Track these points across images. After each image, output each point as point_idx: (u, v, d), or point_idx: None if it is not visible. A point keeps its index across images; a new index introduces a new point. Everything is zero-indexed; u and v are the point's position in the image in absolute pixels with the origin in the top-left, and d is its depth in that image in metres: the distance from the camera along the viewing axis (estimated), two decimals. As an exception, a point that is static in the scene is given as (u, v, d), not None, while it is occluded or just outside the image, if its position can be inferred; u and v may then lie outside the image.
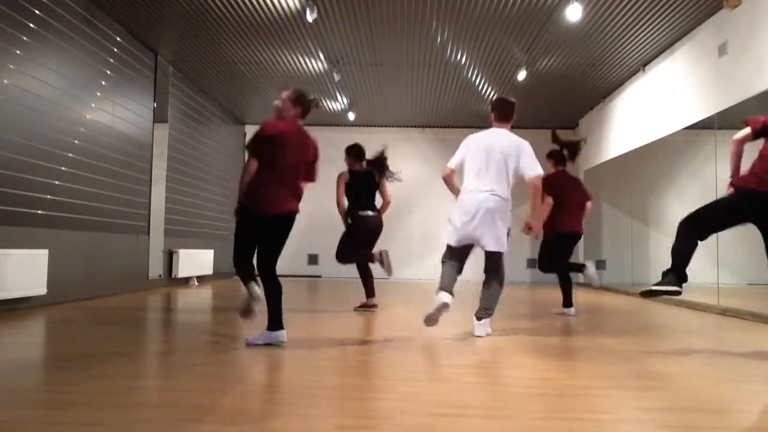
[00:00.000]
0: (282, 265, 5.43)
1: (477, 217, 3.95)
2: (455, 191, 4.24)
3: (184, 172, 8.99)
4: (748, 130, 3.50)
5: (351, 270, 5.80)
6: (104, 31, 6.63)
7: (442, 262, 4.20)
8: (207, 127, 10.13)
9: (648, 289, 3.53)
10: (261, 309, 3.64)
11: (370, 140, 8.31)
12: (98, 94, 6.55)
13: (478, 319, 4.06)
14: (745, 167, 3.55)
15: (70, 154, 5.99)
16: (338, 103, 10.42)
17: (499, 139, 4.11)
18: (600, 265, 8.95)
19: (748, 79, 5.70)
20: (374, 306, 5.58)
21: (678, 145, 7.43)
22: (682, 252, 3.54)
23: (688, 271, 3.53)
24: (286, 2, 6.34)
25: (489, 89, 9.34)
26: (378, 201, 5.65)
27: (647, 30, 6.88)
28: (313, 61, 8.26)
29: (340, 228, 5.64)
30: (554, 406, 2.32)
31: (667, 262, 3.56)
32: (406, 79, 9.00)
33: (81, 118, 6.20)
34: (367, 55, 7.99)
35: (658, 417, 2.18)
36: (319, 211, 9.65)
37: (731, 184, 3.57)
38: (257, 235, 3.55)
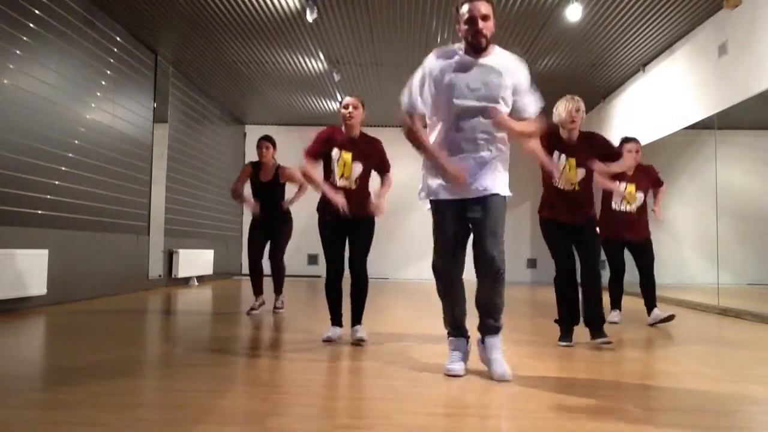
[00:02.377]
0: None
1: None
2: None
3: (184, 172, 8.99)
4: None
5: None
6: (104, 31, 6.63)
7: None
8: (207, 127, 10.13)
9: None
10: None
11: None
12: (98, 94, 6.55)
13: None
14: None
15: (70, 154, 5.99)
16: (338, 103, 10.43)
17: None
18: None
19: (748, 79, 5.70)
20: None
21: (678, 145, 7.43)
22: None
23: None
24: (286, 2, 6.34)
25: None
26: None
27: (647, 30, 6.88)
28: (313, 61, 8.26)
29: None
30: (554, 406, 2.32)
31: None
32: (406, 79, 8.97)
33: (81, 118, 6.20)
34: (367, 55, 7.99)
35: (658, 417, 2.18)
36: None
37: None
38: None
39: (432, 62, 2.85)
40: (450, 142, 2.82)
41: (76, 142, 6.10)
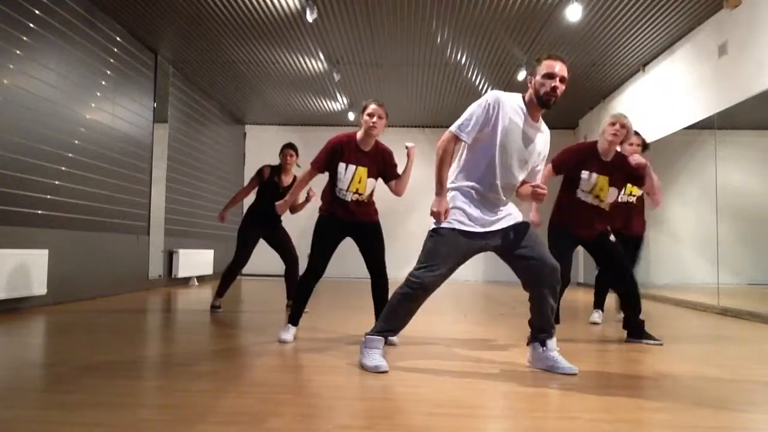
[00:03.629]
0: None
1: None
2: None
3: (184, 172, 8.99)
4: (549, 167, 3.98)
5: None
6: (104, 31, 6.63)
7: None
8: (207, 127, 10.13)
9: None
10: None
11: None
12: (98, 94, 6.55)
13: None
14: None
15: (70, 154, 5.99)
16: (338, 103, 10.43)
17: None
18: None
19: (748, 79, 5.70)
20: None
21: (678, 145, 7.43)
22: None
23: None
24: (286, 2, 6.34)
25: (489, 89, 9.35)
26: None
27: (647, 30, 6.88)
28: (313, 61, 8.26)
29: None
30: (554, 406, 2.32)
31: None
32: (406, 79, 9.01)
33: (81, 118, 6.20)
34: (367, 55, 7.99)
35: (658, 417, 2.18)
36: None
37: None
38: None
39: (502, 100, 2.88)
40: (485, 183, 2.90)
41: (76, 142, 6.10)
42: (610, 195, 3.87)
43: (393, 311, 2.99)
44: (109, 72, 6.76)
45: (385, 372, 2.85)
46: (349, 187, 3.65)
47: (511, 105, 2.88)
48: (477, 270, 11.76)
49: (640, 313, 3.95)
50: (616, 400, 2.40)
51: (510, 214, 2.96)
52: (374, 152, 3.73)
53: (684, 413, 2.24)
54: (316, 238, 3.73)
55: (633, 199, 4.98)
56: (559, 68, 2.85)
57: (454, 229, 2.86)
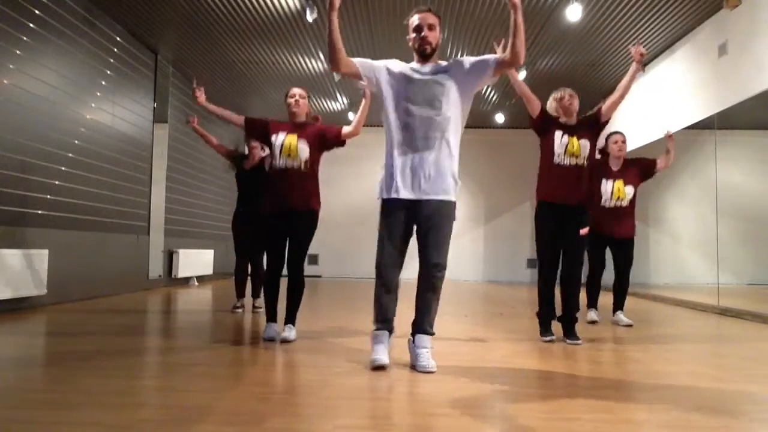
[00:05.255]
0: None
1: None
2: None
3: (184, 172, 8.99)
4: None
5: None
6: (104, 31, 6.63)
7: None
8: (207, 127, 10.09)
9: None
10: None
11: (370, 140, 8.35)
12: (98, 94, 6.55)
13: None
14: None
15: (70, 154, 5.99)
16: (338, 103, 10.43)
17: None
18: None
19: (748, 79, 5.70)
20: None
21: (678, 145, 7.42)
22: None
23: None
24: (286, 2, 6.34)
25: (489, 89, 9.34)
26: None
27: (647, 30, 6.88)
28: (313, 61, 8.26)
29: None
30: (554, 406, 2.32)
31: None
32: (406, 79, 9.00)
33: (81, 118, 6.20)
34: (367, 55, 7.98)
35: (658, 417, 2.18)
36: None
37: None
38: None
39: (391, 62, 3.18)
40: (398, 137, 3.02)
41: (76, 142, 6.10)
42: (582, 148, 3.89)
43: (374, 299, 3.11)
44: (109, 72, 6.77)
45: (382, 366, 2.88)
46: (281, 152, 3.75)
47: (398, 66, 3.19)
48: (477, 270, 11.75)
49: (575, 312, 3.97)
50: (616, 400, 2.40)
51: (435, 191, 2.95)
52: (306, 125, 3.89)
53: (683, 413, 2.24)
54: (266, 237, 3.84)
55: (622, 203, 4.94)
56: (420, 18, 3.05)
57: (387, 199, 2.99)
